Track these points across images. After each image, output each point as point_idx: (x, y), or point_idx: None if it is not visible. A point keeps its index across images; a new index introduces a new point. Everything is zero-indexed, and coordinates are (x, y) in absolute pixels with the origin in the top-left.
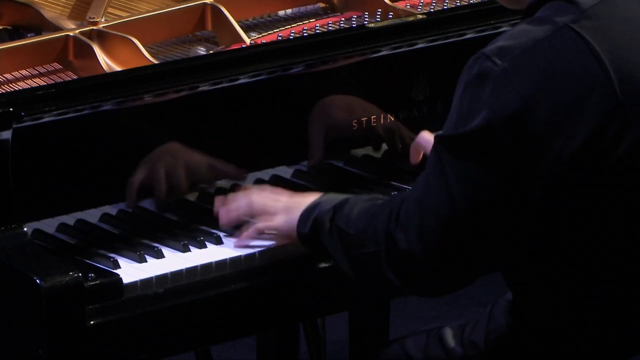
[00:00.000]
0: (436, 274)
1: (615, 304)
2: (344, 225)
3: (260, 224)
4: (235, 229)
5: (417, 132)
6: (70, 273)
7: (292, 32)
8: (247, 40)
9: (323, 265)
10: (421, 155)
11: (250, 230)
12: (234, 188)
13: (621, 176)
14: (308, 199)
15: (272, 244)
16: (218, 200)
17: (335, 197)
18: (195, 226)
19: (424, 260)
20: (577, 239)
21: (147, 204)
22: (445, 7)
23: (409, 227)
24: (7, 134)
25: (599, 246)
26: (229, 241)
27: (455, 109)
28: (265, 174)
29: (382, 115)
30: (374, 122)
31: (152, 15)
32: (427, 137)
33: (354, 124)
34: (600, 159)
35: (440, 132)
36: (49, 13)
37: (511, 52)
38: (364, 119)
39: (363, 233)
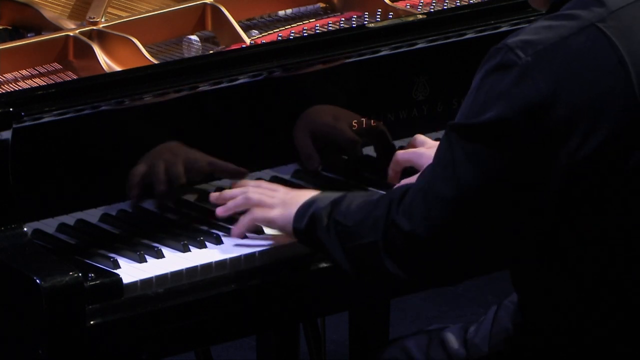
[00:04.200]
0: (437, 259)
1: (625, 306)
2: (342, 219)
3: (257, 213)
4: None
5: (417, 132)
6: (70, 273)
7: (292, 32)
8: (247, 40)
9: (323, 265)
10: (400, 174)
11: (246, 217)
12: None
13: (636, 181)
14: (305, 194)
15: (272, 244)
16: (213, 195)
17: (332, 194)
18: (195, 226)
19: (427, 244)
20: (587, 239)
21: (147, 204)
22: (445, 7)
23: (414, 212)
24: (7, 134)
25: (610, 247)
26: (229, 241)
27: (470, 97)
28: (265, 174)
29: (381, 117)
30: (374, 123)
31: (152, 15)
32: (406, 156)
33: (354, 124)
34: (616, 162)
35: (452, 121)
36: (49, 13)
37: (535, 47)
38: (363, 119)
39: (361, 224)
